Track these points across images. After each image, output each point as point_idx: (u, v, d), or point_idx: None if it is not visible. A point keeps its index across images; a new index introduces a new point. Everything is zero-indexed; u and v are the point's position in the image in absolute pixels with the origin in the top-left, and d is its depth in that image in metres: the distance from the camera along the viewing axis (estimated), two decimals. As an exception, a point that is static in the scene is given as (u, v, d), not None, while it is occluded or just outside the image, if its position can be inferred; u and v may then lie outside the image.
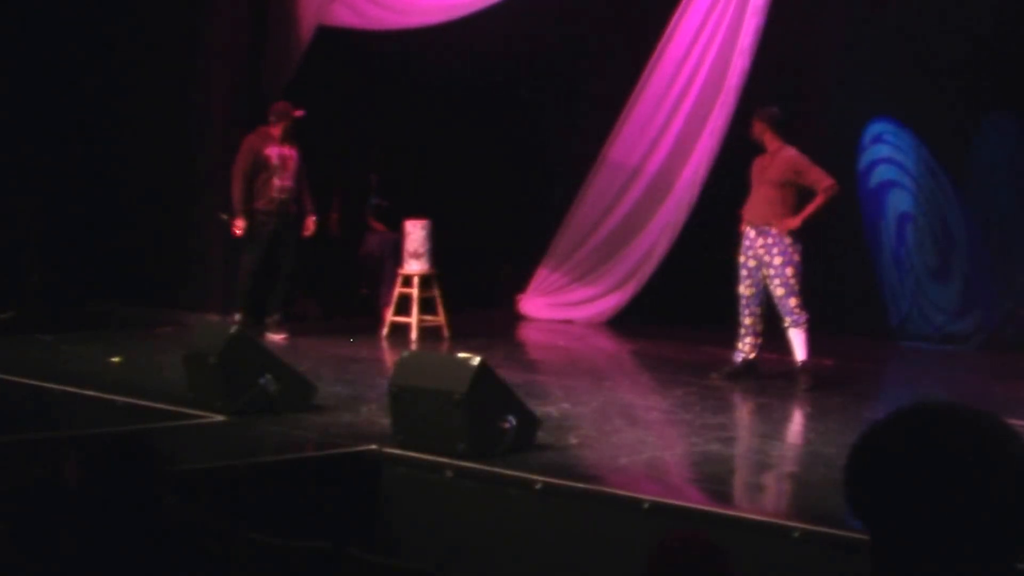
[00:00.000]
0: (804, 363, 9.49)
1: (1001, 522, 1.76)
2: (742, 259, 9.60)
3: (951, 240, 12.13)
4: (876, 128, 12.47)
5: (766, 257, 9.47)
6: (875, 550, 1.81)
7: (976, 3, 11.28)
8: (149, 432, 7.25)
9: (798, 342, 9.48)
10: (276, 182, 11.38)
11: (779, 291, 9.46)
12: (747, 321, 9.60)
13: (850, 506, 1.84)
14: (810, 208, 9.42)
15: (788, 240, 9.42)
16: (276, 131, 11.42)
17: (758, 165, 9.64)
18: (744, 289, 9.59)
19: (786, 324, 9.48)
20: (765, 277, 9.51)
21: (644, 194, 12.38)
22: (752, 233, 9.53)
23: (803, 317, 9.42)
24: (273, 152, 11.37)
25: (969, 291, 12.00)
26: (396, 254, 12.27)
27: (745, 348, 9.64)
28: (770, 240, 9.47)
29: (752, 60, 11.34)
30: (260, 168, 11.37)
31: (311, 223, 11.58)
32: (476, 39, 12.08)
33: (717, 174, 11.74)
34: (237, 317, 11.11)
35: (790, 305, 9.42)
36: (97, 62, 12.59)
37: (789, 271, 9.43)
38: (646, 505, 6.17)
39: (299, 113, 11.41)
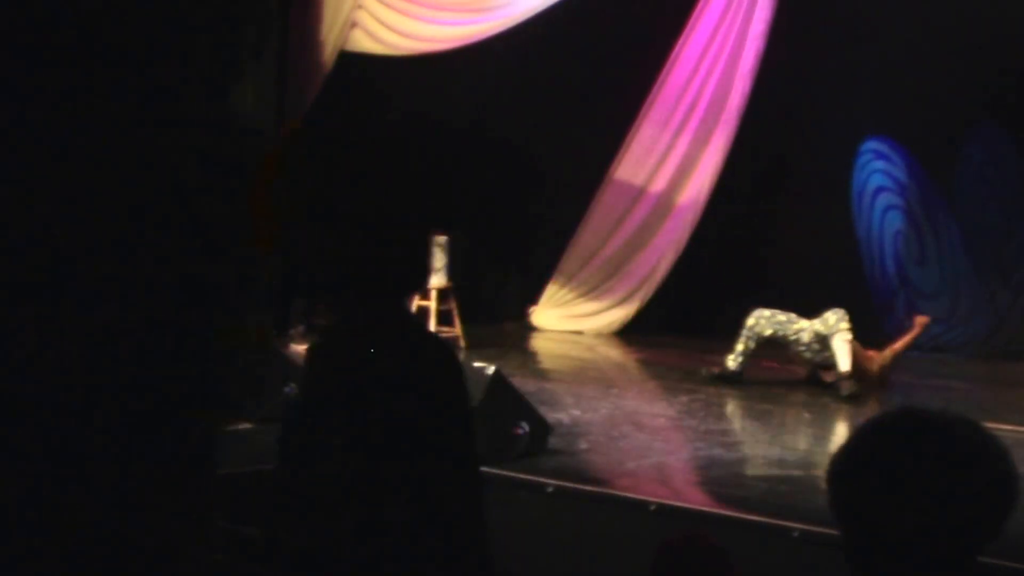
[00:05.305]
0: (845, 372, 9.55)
1: (977, 522, 1.76)
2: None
3: (941, 252, 12.09)
4: (870, 145, 12.43)
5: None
6: (853, 550, 1.80)
7: (968, 18, 11.23)
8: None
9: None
10: None
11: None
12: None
13: (832, 505, 1.84)
14: None
15: None
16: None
17: None
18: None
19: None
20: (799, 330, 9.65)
21: (649, 212, 12.35)
22: None
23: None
24: None
25: (959, 301, 11.95)
26: (414, 269, 12.24)
27: (733, 364, 9.77)
28: None
29: (753, 83, 11.36)
30: None
31: None
32: (485, 61, 12.10)
33: (719, 193, 11.72)
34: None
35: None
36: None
37: None
38: (652, 507, 6.15)
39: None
